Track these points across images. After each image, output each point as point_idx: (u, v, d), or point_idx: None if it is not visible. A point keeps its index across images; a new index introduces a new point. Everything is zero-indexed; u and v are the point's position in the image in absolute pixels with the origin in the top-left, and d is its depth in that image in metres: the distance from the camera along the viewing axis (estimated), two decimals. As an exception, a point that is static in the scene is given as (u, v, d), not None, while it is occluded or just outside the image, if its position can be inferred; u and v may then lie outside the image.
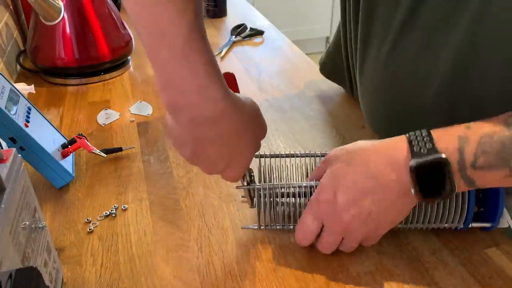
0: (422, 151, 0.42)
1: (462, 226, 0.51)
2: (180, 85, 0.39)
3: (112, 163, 0.69)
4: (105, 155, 0.67)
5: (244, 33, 1.19)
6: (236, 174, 0.48)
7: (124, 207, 0.60)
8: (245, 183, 0.52)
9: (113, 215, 0.58)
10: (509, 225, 0.50)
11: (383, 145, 0.46)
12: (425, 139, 0.43)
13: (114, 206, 0.60)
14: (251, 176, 0.52)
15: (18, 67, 1.02)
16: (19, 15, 1.16)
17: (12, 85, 0.62)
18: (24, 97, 0.64)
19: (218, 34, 1.24)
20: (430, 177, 0.42)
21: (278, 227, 0.54)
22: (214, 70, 0.40)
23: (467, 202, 0.49)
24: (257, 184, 0.52)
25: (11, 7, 1.10)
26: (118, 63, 1.00)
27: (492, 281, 0.48)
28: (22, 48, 1.09)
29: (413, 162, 0.42)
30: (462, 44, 0.50)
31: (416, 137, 0.43)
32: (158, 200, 0.61)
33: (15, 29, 1.10)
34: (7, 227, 0.35)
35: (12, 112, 0.58)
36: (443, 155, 0.41)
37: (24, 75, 1.00)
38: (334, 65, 0.84)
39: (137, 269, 0.51)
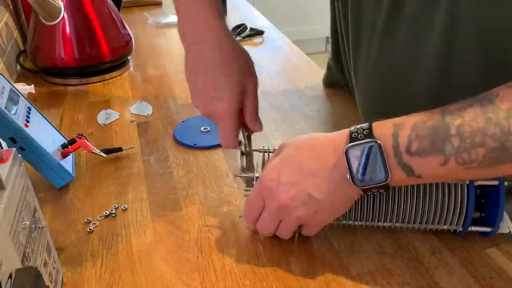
0: (359, 137, 0.44)
1: (461, 229, 0.51)
2: (188, 15, 0.54)
3: (112, 163, 0.69)
4: (105, 155, 0.67)
5: (244, 33, 1.19)
6: (223, 106, 0.54)
7: (124, 207, 0.60)
8: (242, 148, 0.57)
9: (113, 215, 0.58)
10: (510, 231, 0.50)
11: (330, 135, 0.49)
12: (364, 127, 0.44)
13: (114, 206, 0.60)
14: (249, 139, 0.57)
15: (18, 67, 1.02)
16: (19, 15, 1.16)
17: (12, 85, 0.62)
18: (24, 97, 0.64)
19: (218, 34, 1.24)
20: (365, 163, 0.43)
21: None
22: (217, 10, 0.54)
23: (466, 205, 0.49)
24: (256, 173, 0.54)
25: (11, 7, 1.10)
26: (118, 63, 1.00)
27: (492, 281, 0.48)
28: (22, 48, 1.09)
29: (349, 144, 0.44)
30: (442, 36, 0.51)
31: (358, 128, 0.45)
32: (158, 200, 0.61)
33: (15, 29, 1.10)
34: (7, 227, 0.35)
35: (12, 112, 0.58)
36: (376, 140, 0.43)
37: (24, 75, 1.00)
38: (333, 73, 0.84)
39: (137, 269, 0.51)
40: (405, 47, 0.55)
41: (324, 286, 0.48)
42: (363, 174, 0.44)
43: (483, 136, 0.39)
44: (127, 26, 1.03)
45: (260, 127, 0.59)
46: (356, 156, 0.44)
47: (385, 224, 0.52)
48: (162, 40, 1.20)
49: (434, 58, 0.53)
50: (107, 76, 0.98)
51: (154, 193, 0.62)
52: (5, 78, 0.62)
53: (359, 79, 0.66)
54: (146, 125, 0.80)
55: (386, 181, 0.43)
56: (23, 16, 1.19)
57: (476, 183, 0.49)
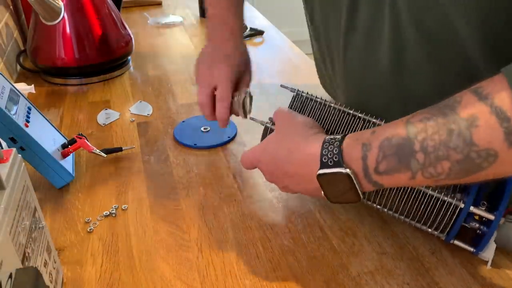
0: (329, 162, 0.45)
1: (444, 238, 0.50)
2: (212, 16, 0.70)
3: (112, 163, 0.69)
4: (105, 155, 0.67)
5: (244, 33, 1.19)
6: (223, 70, 0.65)
7: (124, 207, 0.60)
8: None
9: (113, 215, 0.58)
10: (489, 262, 0.49)
11: (306, 146, 0.49)
12: (335, 150, 0.45)
13: (114, 206, 0.60)
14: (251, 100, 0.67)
15: (18, 67, 1.02)
16: (19, 15, 1.16)
17: (12, 85, 0.62)
18: (24, 97, 0.64)
19: (218, 34, 1.24)
20: (337, 184, 0.45)
21: None
22: (232, 15, 0.69)
23: (455, 216, 0.48)
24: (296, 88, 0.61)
25: (11, 7, 1.10)
26: (118, 63, 1.00)
27: (492, 281, 0.48)
28: (22, 48, 1.09)
29: (320, 171, 0.45)
30: (391, 44, 0.52)
31: (329, 146, 0.46)
32: (158, 200, 0.61)
33: (15, 29, 1.10)
34: (7, 227, 0.35)
35: (12, 112, 0.58)
36: (346, 170, 0.44)
37: (24, 75, 1.00)
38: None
39: (137, 269, 0.51)
40: (362, 57, 0.58)
41: (324, 286, 0.48)
42: (335, 196, 0.47)
43: (446, 149, 0.38)
44: (127, 26, 1.03)
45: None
46: (328, 181, 0.46)
47: (375, 206, 0.52)
48: (162, 40, 1.20)
49: (386, 66, 0.54)
50: (107, 76, 0.98)
51: (154, 193, 0.62)
52: (5, 78, 0.62)
53: (339, 85, 0.69)
54: (146, 125, 0.80)
55: (356, 201, 0.46)
56: (23, 16, 1.19)
57: (471, 210, 0.48)
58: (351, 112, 0.54)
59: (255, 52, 1.11)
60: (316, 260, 0.51)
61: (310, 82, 0.94)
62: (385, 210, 0.52)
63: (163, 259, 0.52)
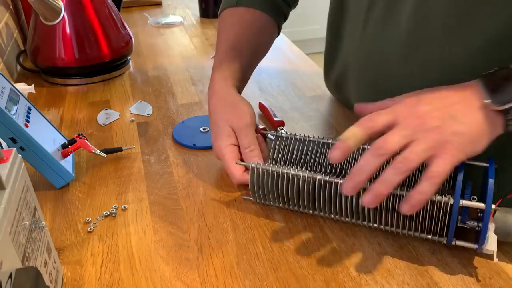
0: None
1: (445, 242, 0.50)
2: (212, 80, 0.70)
3: (112, 163, 0.69)
4: (105, 155, 0.67)
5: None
6: (215, 144, 0.62)
7: (124, 207, 0.60)
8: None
9: (113, 215, 0.58)
10: (494, 255, 0.48)
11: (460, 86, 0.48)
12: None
13: (114, 206, 0.60)
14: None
15: (18, 67, 1.02)
16: (19, 15, 1.16)
17: (12, 85, 0.62)
18: (24, 97, 0.64)
19: (218, 34, 1.24)
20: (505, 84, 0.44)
21: (271, 203, 0.58)
22: (230, 79, 0.68)
23: (448, 214, 0.48)
24: (251, 163, 0.56)
25: (11, 7, 1.10)
26: (118, 63, 1.00)
27: (492, 281, 0.48)
28: (22, 48, 1.09)
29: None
30: (414, 14, 0.54)
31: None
32: (158, 200, 0.61)
33: (15, 29, 1.10)
34: (7, 227, 0.35)
35: (12, 112, 0.58)
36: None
37: (24, 75, 1.00)
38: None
39: (137, 269, 0.51)
40: (381, 31, 0.60)
41: (324, 286, 0.48)
42: (503, 92, 0.44)
43: None
44: (127, 26, 1.03)
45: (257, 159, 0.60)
46: (493, 79, 0.45)
47: (370, 224, 0.53)
48: (162, 40, 1.20)
49: (405, 39, 0.57)
50: (107, 76, 0.98)
51: (154, 193, 0.62)
52: (5, 78, 0.62)
53: (350, 56, 0.72)
54: (146, 125, 0.80)
55: None
56: (23, 16, 1.19)
57: (460, 204, 0.47)
58: (330, 141, 0.56)
59: (255, 52, 1.11)
60: (316, 260, 0.51)
61: (310, 82, 0.94)
62: (382, 226, 0.52)
63: (163, 259, 0.52)
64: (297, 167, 0.56)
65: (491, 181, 0.46)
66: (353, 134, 0.46)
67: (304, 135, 0.58)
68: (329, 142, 0.56)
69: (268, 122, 0.80)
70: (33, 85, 0.79)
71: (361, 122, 0.47)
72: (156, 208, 0.60)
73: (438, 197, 0.48)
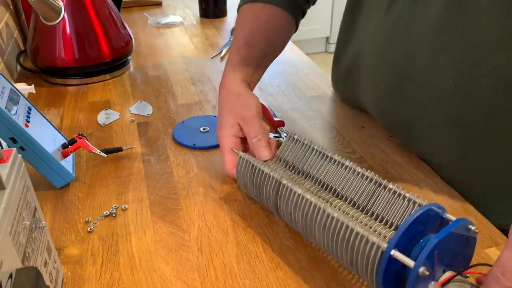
0: None
1: None
2: (224, 70, 0.71)
3: (112, 163, 0.69)
4: (105, 155, 0.67)
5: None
6: (218, 134, 0.64)
7: (124, 207, 0.60)
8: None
9: (113, 215, 0.58)
10: None
11: None
12: None
13: (114, 206, 0.60)
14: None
15: (18, 67, 1.02)
16: (19, 15, 1.16)
17: (12, 85, 0.63)
18: (25, 97, 0.64)
19: (218, 34, 1.24)
20: None
21: (252, 195, 0.58)
22: (239, 71, 0.70)
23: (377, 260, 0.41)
24: (242, 153, 0.57)
25: (11, 7, 1.10)
26: (118, 63, 1.00)
27: (492, 281, 0.48)
28: (22, 48, 1.09)
29: None
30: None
31: None
32: (158, 200, 0.61)
33: (15, 29, 1.10)
34: (7, 227, 0.35)
35: (13, 112, 0.58)
36: None
37: (24, 75, 1.00)
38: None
39: (137, 269, 0.51)
40: (408, 13, 0.61)
41: (324, 286, 0.48)
42: None
43: None
44: (127, 26, 1.03)
45: (264, 155, 0.59)
46: None
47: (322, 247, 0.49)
48: (162, 40, 1.20)
49: (437, 14, 0.57)
50: (107, 76, 0.98)
51: (154, 193, 0.62)
52: (5, 78, 0.62)
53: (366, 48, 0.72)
54: (146, 125, 0.80)
55: None
56: (23, 16, 1.19)
57: (392, 254, 0.40)
58: (334, 157, 0.53)
59: (255, 52, 1.11)
60: (316, 260, 0.51)
61: (310, 82, 0.94)
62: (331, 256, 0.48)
63: (163, 259, 0.52)
64: (295, 172, 0.56)
65: (433, 239, 0.39)
66: None
67: (316, 145, 0.55)
68: (337, 160, 0.53)
69: (268, 122, 0.80)
70: (33, 85, 0.79)
71: None
72: (156, 208, 0.60)
73: (374, 238, 0.41)
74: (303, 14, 0.78)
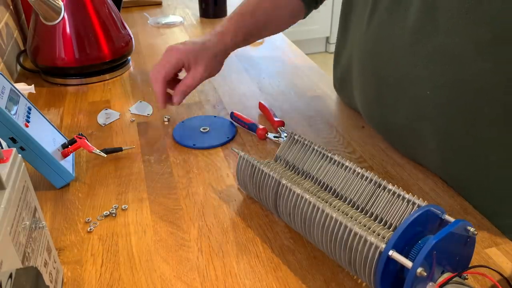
0: None
1: None
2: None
3: (112, 163, 0.69)
4: (105, 155, 0.67)
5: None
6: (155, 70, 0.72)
7: (124, 207, 0.60)
8: None
9: (113, 215, 0.58)
10: None
11: None
12: None
13: (114, 206, 0.60)
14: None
15: (18, 67, 1.02)
16: (19, 15, 1.16)
17: (12, 85, 0.63)
18: (24, 97, 0.64)
19: (218, 34, 1.24)
20: None
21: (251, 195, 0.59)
22: (220, 32, 0.74)
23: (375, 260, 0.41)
24: (242, 152, 0.58)
25: (11, 7, 1.10)
26: (118, 63, 1.00)
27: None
28: (22, 48, 1.09)
29: None
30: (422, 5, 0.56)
31: None
32: (158, 200, 0.61)
33: (15, 29, 1.10)
34: (7, 227, 0.35)
35: (13, 112, 0.58)
36: None
37: (24, 75, 1.00)
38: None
39: (137, 269, 0.51)
40: (390, 16, 0.62)
41: (324, 286, 0.48)
42: None
43: None
44: (127, 26, 1.03)
45: (176, 101, 0.72)
46: None
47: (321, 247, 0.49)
48: (162, 40, 1.20)
49: (412, 26, 0.58)
50: (107, 76, 0.98)
51: (154, 193, 0.62)
52: (5, 78, 0.62)
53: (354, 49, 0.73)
54: (146, 125, 0.80)
55: None
56: (23, 16, 1.19)
57: (390, 255, 0.40)
58: (335, 157, 0.54)
59: (255, 52, 1.11)
60: (316, 260, 0.51)
61: (310, 82, 0.94)
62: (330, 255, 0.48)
63: (163, 259, 0.52)
64: (294, 172, 0.56)
65: (432, 240, 0.39)
66: None
67: (316, 145, 0.56)
68: (337, 160, 0.53)
69: (268, 122, 0.80)
70: (33, 85, 0.79)
71: None
72: (156, 208, 0.60)
73: (372, 238, 0.42)
74: (315, 2, 0.79)
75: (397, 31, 0.60)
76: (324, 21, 3.17)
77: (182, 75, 0.74)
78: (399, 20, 0.60)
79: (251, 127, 0.76)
